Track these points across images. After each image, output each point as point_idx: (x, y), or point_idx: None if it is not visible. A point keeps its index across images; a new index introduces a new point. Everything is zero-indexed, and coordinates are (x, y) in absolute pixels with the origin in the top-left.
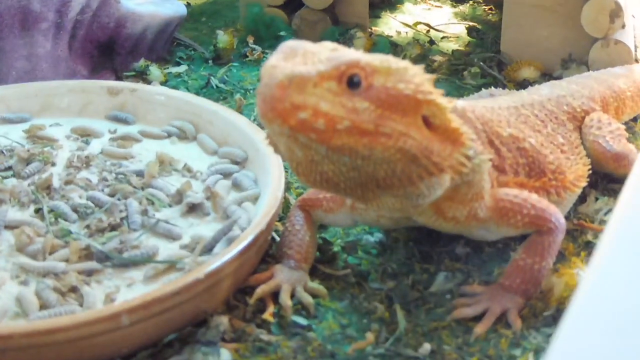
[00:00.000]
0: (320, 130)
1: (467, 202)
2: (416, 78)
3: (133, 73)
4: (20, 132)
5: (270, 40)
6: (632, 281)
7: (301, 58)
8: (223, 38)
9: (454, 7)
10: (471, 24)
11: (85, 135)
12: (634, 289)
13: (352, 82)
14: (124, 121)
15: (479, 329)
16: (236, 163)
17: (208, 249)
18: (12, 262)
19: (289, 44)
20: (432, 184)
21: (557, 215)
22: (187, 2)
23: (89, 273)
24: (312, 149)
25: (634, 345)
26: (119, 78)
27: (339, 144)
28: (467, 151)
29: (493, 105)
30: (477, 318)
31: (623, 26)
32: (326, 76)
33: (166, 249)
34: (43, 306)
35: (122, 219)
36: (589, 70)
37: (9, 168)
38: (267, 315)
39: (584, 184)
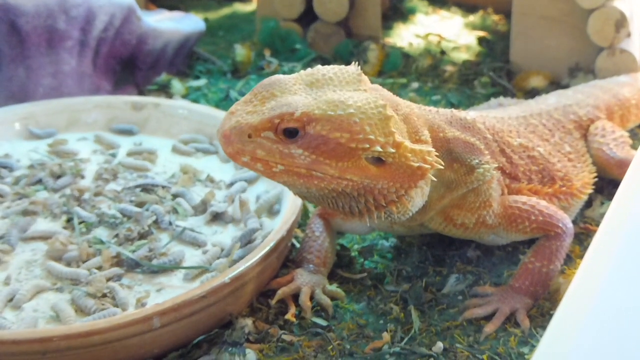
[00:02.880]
0: (261, 170)
1: (475, 210)
2: (357, 126)
3: (155, 87)
4: (47, 147)
5: (286, 53)
6: (623, 279)
7: (256, 104)
8: (241, 52)
9: (465, 17)
10: (481, 34)
11: (109, 148)
12: (626, 287)
13: (288, 131)
14: (129, 132)
15: (489, 328)
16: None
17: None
18: (46, 270)
19: (265, 83)
20: (376, 216)
21: (565, 220)
22: (205, 17)
23: (118, 278)
24: None
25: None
26: (140, 92)
27: (281, 181)
28: (423, 185)
29: (503, 116)
30: (488, 318)
31: (628, 35)
32: (260, 128)
33: (192, 256)
34: (79, 311)
35: (149, 226)
36: (595, 79)
37: (39, 181)
38: (290, 316)
39: (589, 190)
